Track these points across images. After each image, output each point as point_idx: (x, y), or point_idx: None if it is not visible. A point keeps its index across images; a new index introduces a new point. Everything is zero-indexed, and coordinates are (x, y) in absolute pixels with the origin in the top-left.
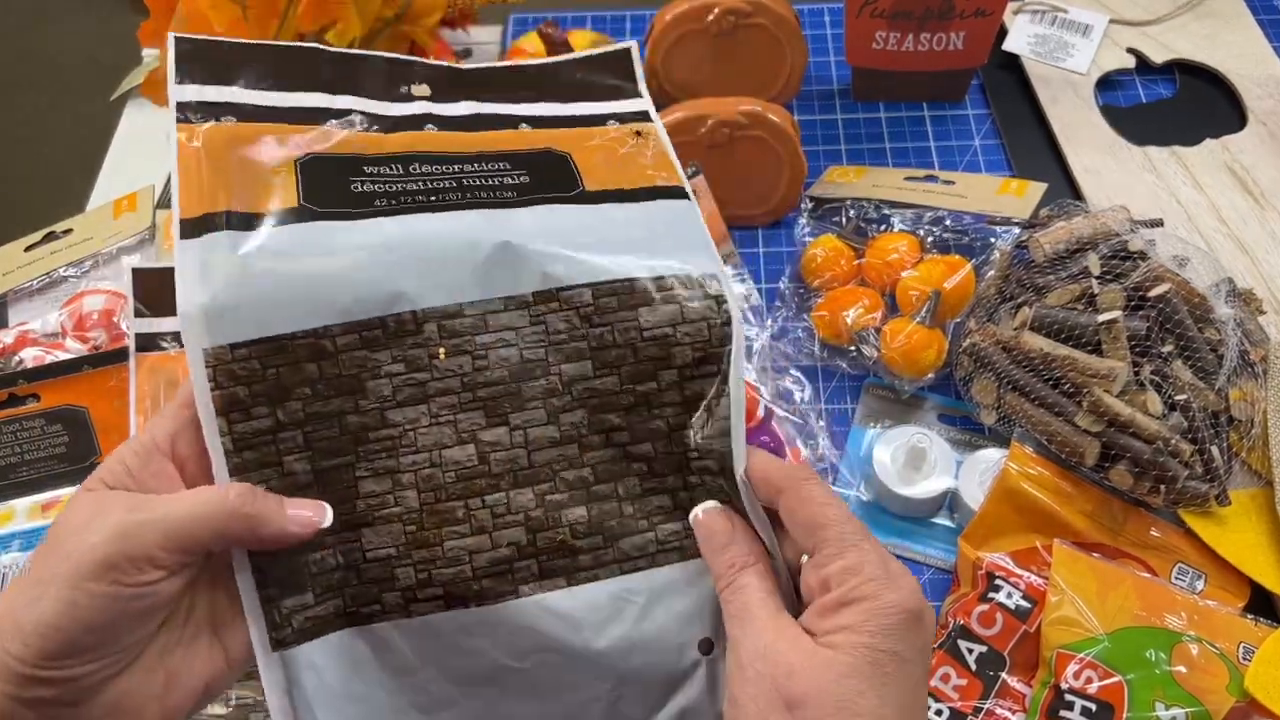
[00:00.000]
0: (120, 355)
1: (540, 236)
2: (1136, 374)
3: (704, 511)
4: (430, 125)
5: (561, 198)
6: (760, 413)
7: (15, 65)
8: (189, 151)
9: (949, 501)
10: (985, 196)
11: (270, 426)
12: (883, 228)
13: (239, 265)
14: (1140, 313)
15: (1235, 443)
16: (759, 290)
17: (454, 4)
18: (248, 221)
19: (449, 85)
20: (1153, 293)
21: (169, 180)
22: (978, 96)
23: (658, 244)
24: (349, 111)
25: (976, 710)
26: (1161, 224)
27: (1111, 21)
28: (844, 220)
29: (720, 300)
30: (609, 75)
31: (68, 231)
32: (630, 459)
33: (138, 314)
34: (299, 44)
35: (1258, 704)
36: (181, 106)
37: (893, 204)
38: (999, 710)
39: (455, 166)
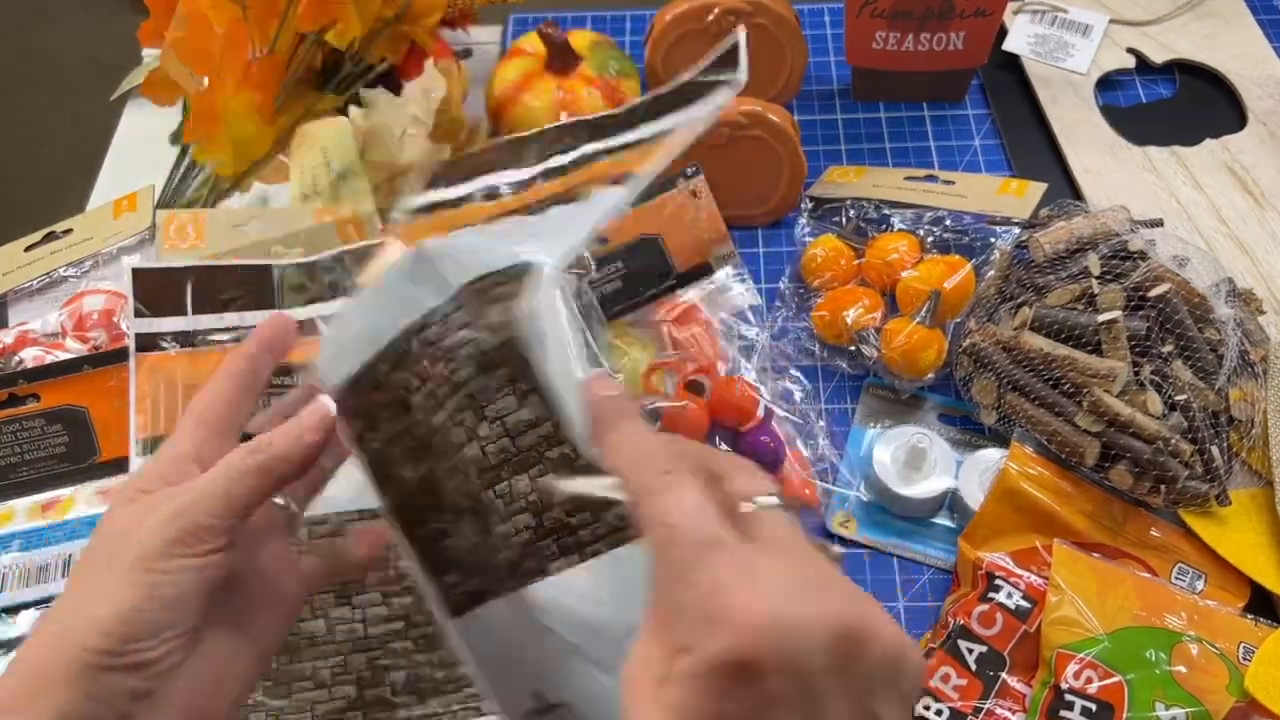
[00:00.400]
0: (120, 355)
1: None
2: (1136, 374)
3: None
4: (539, 179)
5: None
6: (760, 413)
7: (15, 65)
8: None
9: (949, 501)
10: (985, 196)
11: (379, 446)
12: (883, 228)
13: None
14: (1140, 313)
15: (1235, 443)
16: (759, 290)
17: (454, 4)
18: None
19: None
20: (1153, 293)
21: (169, 181)
22: (978, 96)
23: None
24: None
25: (976, 710)
26: (1161, 224)
27: (1111, 21)
28: (844, 220)
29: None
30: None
31: (68, 231)
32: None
33: (137, 314)
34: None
35: (1258, 704)
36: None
37: (893, 204)
38: (999, 710)
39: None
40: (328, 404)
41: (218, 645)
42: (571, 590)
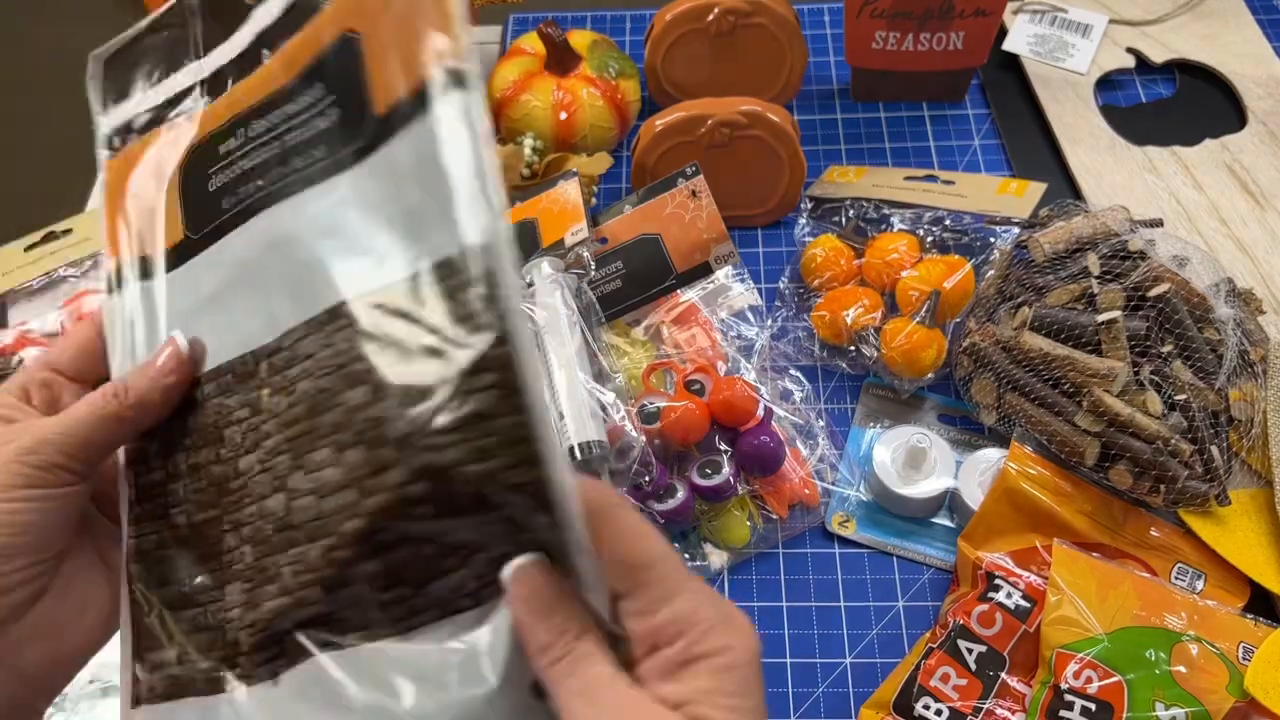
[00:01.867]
0: None
1: (327, 234)
2: (1136, 374)
3: (521, 567)
4: (265, 50)
5: (355, 150)
6: (760, 413)
7: (15, 65)
8: (104, 192)
9: (949, 501)
10: (985, 196)
11: (161, 479)
12: (882, 228)
13: (129, 330)
14: (1140, 313)
15: (1235, 442)
16: (759, 290)
17: None
18: (142, 269)
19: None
20: (1152, 293)
21: None
22: (977, 96)
23: (433, 209)
24: (208, 76)
25: (976, 710)
26: (1161, 224)
27: (1111, 21)
28: (844, 220)
29: (493, 276)
30: None
31: (67, 231)
32: (411, 503)
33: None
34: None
35: (1257, 704)
36: (104, 140)
37: (892, 204)
38: (999, 710)
39: (276, 115)
40: (181, 341)
41: (77, 577)
42: (392, 661)
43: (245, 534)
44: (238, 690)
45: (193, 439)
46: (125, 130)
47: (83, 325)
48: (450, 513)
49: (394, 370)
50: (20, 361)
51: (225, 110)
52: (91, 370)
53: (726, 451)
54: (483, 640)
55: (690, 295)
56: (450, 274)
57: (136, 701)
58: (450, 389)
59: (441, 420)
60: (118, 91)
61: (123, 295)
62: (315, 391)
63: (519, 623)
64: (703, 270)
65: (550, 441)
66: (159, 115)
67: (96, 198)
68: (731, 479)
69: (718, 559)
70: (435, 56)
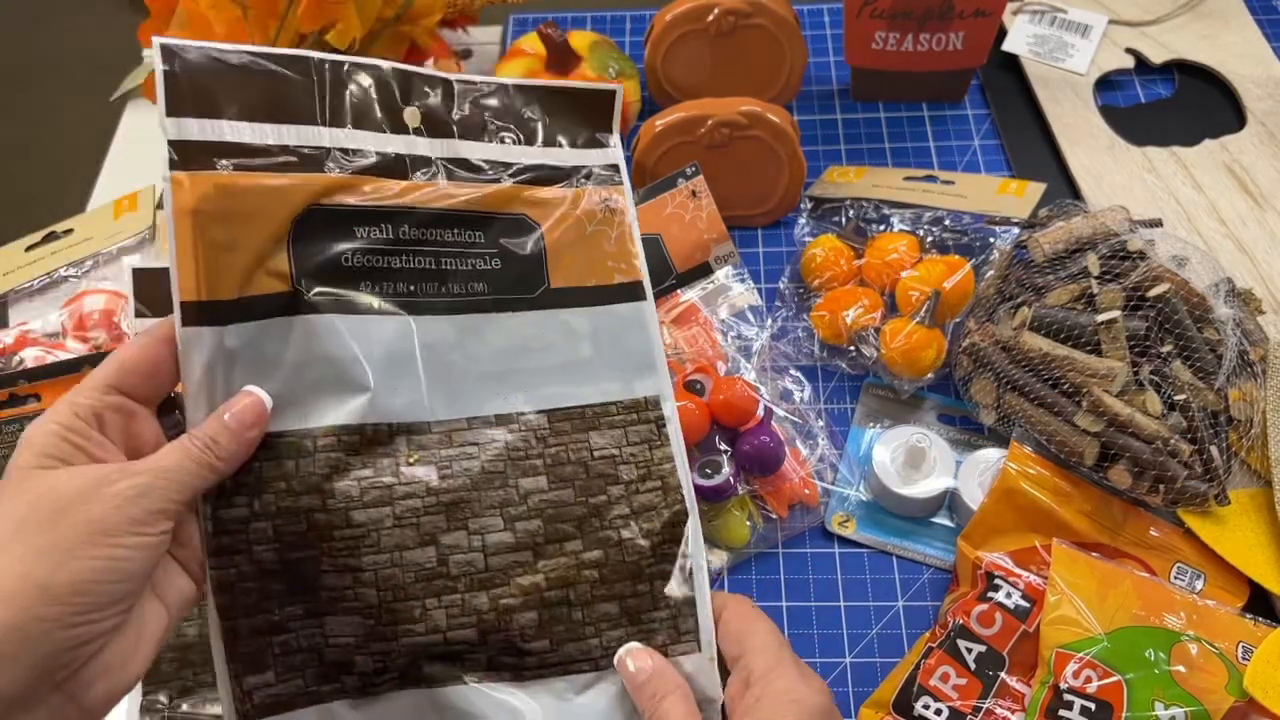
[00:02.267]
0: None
1: (505, 357)
2: (1136, 374)
3: (627, 654)
4: (420, 172)
5: (527, 301)
6: (760, 412)
7: (16, 65)
8: (185, 212)
9: (948, 501)
10: (985, 196)
11: (245, 515)
12: (882, 228)
13: (230, 363)
14: (1139, 313)
15: (1234, 442)
16: (759, 290)
17: (454, 4)
18: (244, 310)
19: (440, 113)
20: (1152, 293)
21: None
22: (977, 97)
23: (610, 364)
24: (342, 149)
25: (975, 710)
26: (1160, 224)
27: (1111, 22)
28: (843, 220)
29: (660, 423)
30: (591, 114)
31: (68, 231)
32: (582, 566)
33: (138, 314)
34: (292, 53)
35: (1256, 704)
36: (177, 147)
37: (892, 204)
38: (998, 710)
39: (437, 236)
40: (264, 397)
41: (141, 610)
42: (492, 703)
43: (365, 577)
44: (337, 704)
45: (290, 484)
46: (212, 150)
47: (153, 344)
48: (619, 578)
49: (573, 470)
50: (21, 362)
51: (365, 193)
52: (159, 394)
53: (726, 451)
54: (597, 703)
55: (690, 295)
56: (638, 408)
57: (245, 718)
58: (623, 489)
59: (617, 510)
60: (204, 106)
61: (209, 327)
62: (480, 472)
63: (630, 692)
64: (703, 270)
65: (699, 553)
66: (271, 155)
67: (165, 208)
68: (731, 479)
69: (717, 559)
70: (616, 271)
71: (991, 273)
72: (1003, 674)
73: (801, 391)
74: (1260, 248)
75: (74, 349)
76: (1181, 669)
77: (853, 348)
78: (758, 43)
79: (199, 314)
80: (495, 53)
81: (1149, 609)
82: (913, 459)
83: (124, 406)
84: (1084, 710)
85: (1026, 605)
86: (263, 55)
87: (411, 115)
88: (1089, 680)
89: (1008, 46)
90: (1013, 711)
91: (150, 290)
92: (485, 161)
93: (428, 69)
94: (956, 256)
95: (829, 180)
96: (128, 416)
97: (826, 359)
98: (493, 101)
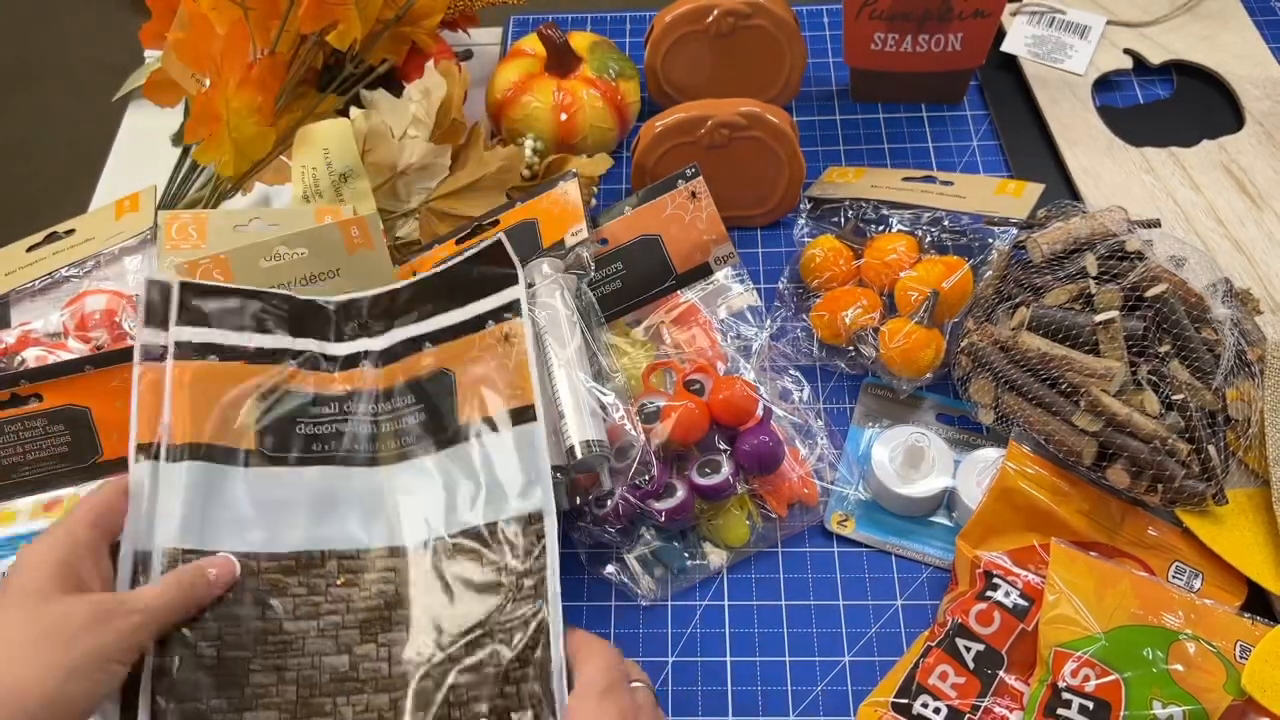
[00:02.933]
0: (123, 356)
1: (426, 490)
2: (1134, 374)
3: None
4: (365, 362)
5: (442, 440)
6: (759, 412)
7: (17, 66)
8: (182, 384)
9: (947, 500)
10: (983, 197)
11: (197, 616)
12: (881, 228)
13: (203, 494)
14: (1137, 313)
15: (1232, 442)
16: (758, 290)
17: (455, 5)
18: (223, 455)
19: (380, 316)
20: (1150, 293)
21: (170, 181)
22: (976, 97)
23: (507, 484)
24: (304, 353)
25: (974, 708)
26: (1159, 224)
27: (1109, 23)
28: (843, 221)
29: (540, 535)
30: (492, 265)
31: (70, 232)
32: (462, 671)
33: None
34: (270, 291)
35: (1254, 702)
36: (180, 346)
37: (891, 204)
38: (997, 708)
39: (375, 407)
40: (235, 564)
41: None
42: None
43: (288, 676)
44: None
45: (238, 595)
46: (204, 349)
47: (117, 488)
48: (491, 681)
49: (467, 587)
50: (23, 362)
51: (319, 383)
52: (116, 532)
53: (726, 451)
54: None
55: (690, 296)
56: (527, 521)
57: None
58: (503, 597)
59: (499, 617)
60: (193, 317)
61: (167, 466)
62: (394, 593)
63: None
64: (702, 271)
65: (559, 654)
66: (249, 355)
67: (136, 381)
68: (731, 478)
69: (717, 558)
70: (513, 398)
71: (990, 273)
72: (1001, 673)
73: (801, 391)
74: (1258, 248)
75: (76, 349)
76: (1179, 668)
77: (852, 348)
78: (757, 44)
79: (187, 453)
80: (495, 54)
81: (1147, 608)
82: (911, 458)
83: (102, 540)
84: (1082, 709)
85: (1025, 604)
86: (242, 292)
87: (353, 329)
88: (1087, 679)
89: (1006, 47)
90: (1011, 710)
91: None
92: (411, 339)
93: (362, 293)
94: (955, 257)
95: (828, 181)
96: (99, 548)
97: (825, 359)
98: (412, 294)
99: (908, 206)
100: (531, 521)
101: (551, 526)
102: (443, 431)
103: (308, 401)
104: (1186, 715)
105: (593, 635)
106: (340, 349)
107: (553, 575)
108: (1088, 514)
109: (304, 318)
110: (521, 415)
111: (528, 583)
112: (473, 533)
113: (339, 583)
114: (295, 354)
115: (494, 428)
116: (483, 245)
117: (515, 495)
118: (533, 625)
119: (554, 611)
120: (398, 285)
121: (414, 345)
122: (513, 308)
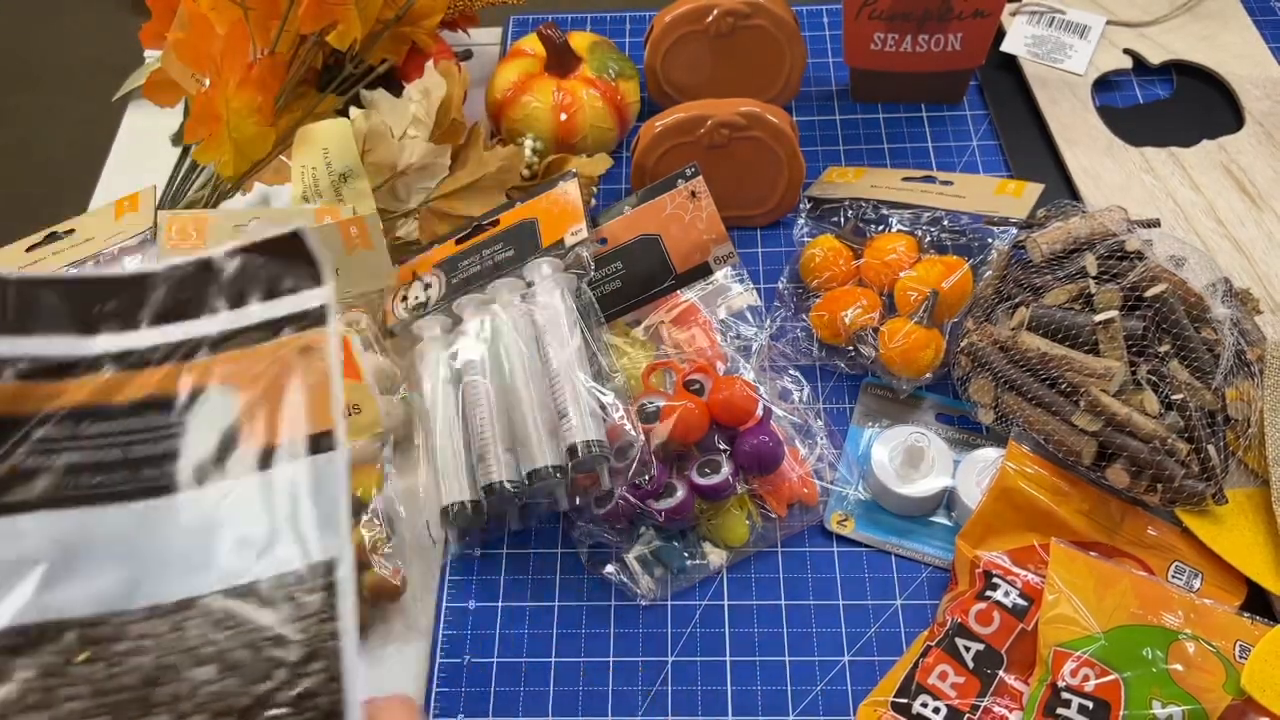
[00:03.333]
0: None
1: (193, 536)
2: (1133, 373)
3: None
4: (109, 366)
5: (217, 472)
6: (759, 412)
7: (17, 66)
8: None
9: (947, 500)
10: (983, 197)
11: None
12: (881, 228)
13: None
14: (1137, 312)
15: (1232, 442)
16: (758, 290)
17: (455, 5)
18: None
19: (131, 308)
20: (1149, 293)
21: (170, 181)
22: (975, 97)
23: (294, 528)
24: (20, 358)
25: (974, 708)
26: (1158, 224)
27: (1109, 23)
28: (842, 220)
29: (332, 590)
30: (289, 261)
31: (70, 232)
32: None
33: None
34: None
35: (1254, 702)
36: None
37: (891, 204)
38: (996, 708)
39: (123, 425)
40: None
41: None
42: None
43: None
44: None
45: None
46: None
47: None
48: None
49: (242, 654)
50: None
51: (60, 396)
52: None
53: (726, 451)
54: None
55: (690, 295)
56: (315, 574)
57: None
58: (288, 672)
59: (280, 696)
60: None
61: None
62: (154, 666)
63: None
64: (702, 271)
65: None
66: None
67: None
68: (731, 478)
69: (717, 558)
70: (311, 423)
71: (990, 273)
72: (1001, 672)
73: (800, 391)
74: (1258, 248)
75: None
76: (1179, 668)
77: (851, 348)
78: (757, 44)
79: None
80: (495, 54)
81: (1147, 608)
82: (911, 458)
83: None
84: (1082, 709)
85: (1024, 604)
86: None
87: (98, 317)
88: (1087, 679)
89: (1006, 47)
90: (1010, 710)
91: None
92: (179, 342)
93: (117, 271)
94: (955, 257)
95: (828, 181)
96: None
97: (825, 359)
98: (186, 281)
99: (907, 206)
100: (323, 573)
101: (348, 575)
102: (221, 459)
103: (24, 423)
104: (1186, 715)
105: (395, 701)
106: (79, 346)
107: (349, 639)
108: (1087, 514)
109: (29, 304)
110: (319, 443)
111: (321, 650)
112: (250, 589)
113: (80, 659)
114: (11, 360)
115: (284, 457)
116: (274, 234)
117: (306, 540)
118: (325, 706)
119: (348, 684)
120: (158, 268)
121: (185, 350)
122: (315, 315)
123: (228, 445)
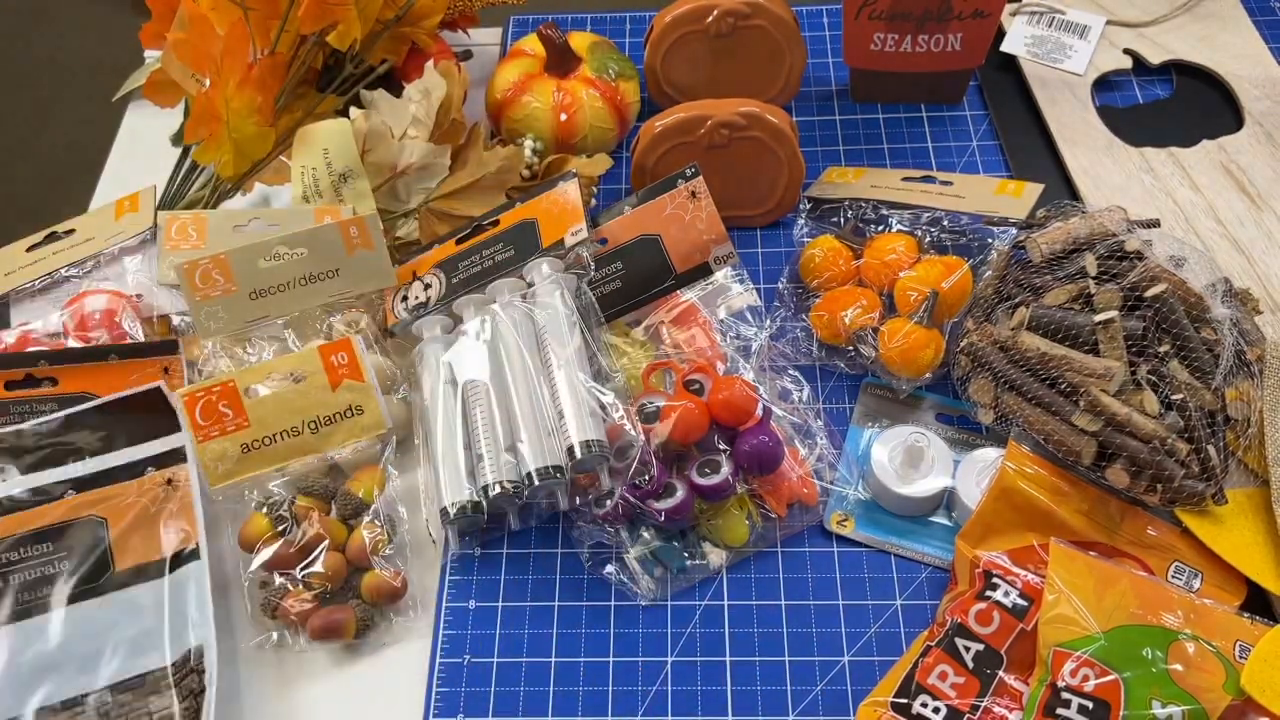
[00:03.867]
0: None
1: (75, 644)
2: (1133, 373)
3: None
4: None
5: (94, 589)
6: (759, 412)
7: (17, 66)
8: None
9: (947, 500)
10: (983, 197)
11: None
12: (881, 228)
13: None
14: (1137, 313)
15: (1232, 442)
16: (758, 290)
17: (455, 5)
18: None
19: (12, 456)
20: (1149, 293)
21: (170, 181)
22: (975, 97)
23: (169, 625)
24: None
25: (974, 708)
26: (1158, 224)
27: (1109, 23)
28: (842, 221)
29: (201, 673)
30: (149, 412)
31: (70, 232)
32: None
33: None
34: None
35: (1253, 702)
36: None
37: (891, 204)
38: (996, 708)
39: (4, 558)
40: None
41: None
42: None
43: None
44: None
45: None
46: None
47: None
48: None
49: None
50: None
51: None
52: None
53: (725, 451)
54: None
55: (689, 295)
56: (186, 660)
57: None
58: None
59: None
60: None
61: None
62: None
63: None
64: (702, 271)
65: None
66: None
67: None
68: (730, 478)
69: (716, 558)
70: (178, 540)
71: (989, 273)
72: (1000, 672)
73: (800, 391)
74: (1257, 248)
75: None
76: (1179, 668)
77: (851, 348)
78: (757, 44)
79: None
80: (495, 54)
81: (1146, 608)
82: (911, 458)
83: None
84: (1081, 709)
85: (1024, 604)
86: None
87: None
88: (1086, 679)
89: (1006, 47)
90: (1010, 710)
91: None
92: (54, 484)
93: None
94: (954, 257)
95: (828, 181)
96: None
97: (825, 359)
98: (59, 431)
99: (907, 206)
100: (192, 660)
101: (213, 662)
102: (96, 578)
103: None
104: (1186, 715)
105: None
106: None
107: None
108: (1087, 514)
109: None
110: (180, 559)
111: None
112: (136, 682)
113: None
114: None
115: (158, 572)
116: (134, 391)
117: (180, 635)
118: None
119: None
120: (35, 426)
121: (54, 493)
122: (176, 455)
123: (108, 564)
